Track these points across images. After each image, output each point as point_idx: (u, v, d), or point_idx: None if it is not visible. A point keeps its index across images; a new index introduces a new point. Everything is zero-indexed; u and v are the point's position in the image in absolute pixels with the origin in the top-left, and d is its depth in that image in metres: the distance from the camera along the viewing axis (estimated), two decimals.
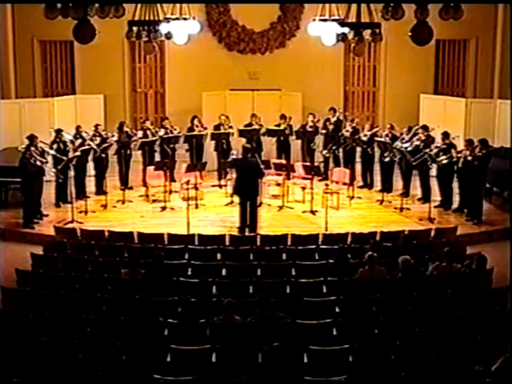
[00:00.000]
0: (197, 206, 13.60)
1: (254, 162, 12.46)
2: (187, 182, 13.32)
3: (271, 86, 16.96)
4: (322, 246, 10.49)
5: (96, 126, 14.57)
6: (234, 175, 12.90)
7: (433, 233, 11.43)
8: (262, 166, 12.52)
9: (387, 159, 14.08)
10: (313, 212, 13.27)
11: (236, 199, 12.79)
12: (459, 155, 12.84)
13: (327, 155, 15.32)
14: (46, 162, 12.89)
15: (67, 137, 13.89)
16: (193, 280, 9.15)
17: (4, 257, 11.04)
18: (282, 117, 15.62)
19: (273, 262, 9.81)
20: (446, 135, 13.42)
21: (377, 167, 15.02)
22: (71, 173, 13.88)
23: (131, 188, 14.98)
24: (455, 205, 13.52)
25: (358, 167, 15.36)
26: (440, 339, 7.56)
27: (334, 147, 15.07)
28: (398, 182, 14.67)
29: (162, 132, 15.06)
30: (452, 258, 9.25)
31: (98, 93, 16.99)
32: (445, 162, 12.94)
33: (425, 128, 13.98)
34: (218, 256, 10.16)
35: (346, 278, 9.10)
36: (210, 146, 15.73)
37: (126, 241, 10.65)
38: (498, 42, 16.94)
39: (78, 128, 14.25)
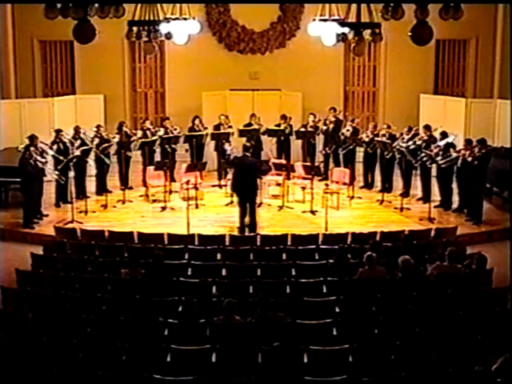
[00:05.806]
0: (197, 206, 13.60)
1: (252, 161, 12.44)
2: (187, 182, 13.31)
3: (271, 86, 16.96)
4: (321, 246, 10.49)
5: (98, 127, 14.51)
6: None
7: (433, 233, 11.42)
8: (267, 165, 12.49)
9: (389, 156, 14.10)
10: (313, 212, 13.26)
11: (236, 199, 12.78)
12: (458, 154, 12.85)
13: (328, 152, 15.34)
14: (46, 162, 12.88)
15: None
16: (193, 280, 9.15)
17: (4, 257, 11.04)
18: (283, 117, 15.62)
19: (273, 261, 9.80)
20: (427, 128, 13.63)
21: (377, 167, 15.01)
22: (71, 173, 13.88)
23: (131, 188, 14.96)
24: (455, 205, 13.51)
25: (359, 167, 15.35)
26: (440, 339, 7.55)
27: (334, 145, 15.10)
28: (397, 182, 14.67)
29: (161, 132, 15.06)
30: (453, 258, 9.25)
31: (98, 93, 16.99)
32: (448, 160, 12.93)
33: (427, 128, 13.99)
34: (218, 256, 10.16)
35: (345, 278, 9.10)
36: (210, 146, 15.73)
37: (126, 241, 10.64)
38: (498, 42, 16.95)
39: (76, 129, 14.22)
